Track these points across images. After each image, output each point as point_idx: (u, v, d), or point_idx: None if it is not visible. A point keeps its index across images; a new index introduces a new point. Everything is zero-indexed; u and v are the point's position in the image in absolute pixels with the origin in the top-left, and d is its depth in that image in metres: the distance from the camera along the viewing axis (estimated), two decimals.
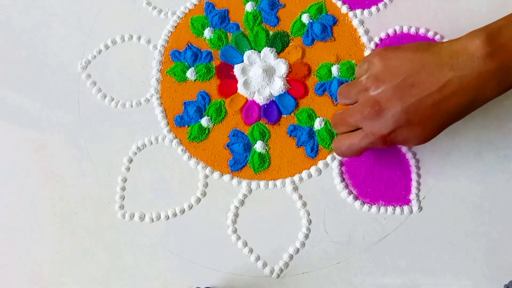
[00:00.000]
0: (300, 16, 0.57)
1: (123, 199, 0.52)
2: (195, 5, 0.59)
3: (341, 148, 0.45)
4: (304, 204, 0.50)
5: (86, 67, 0.57)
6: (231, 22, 0.58)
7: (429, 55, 0.38)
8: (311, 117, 0.53)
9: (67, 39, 0.58)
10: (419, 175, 0.51)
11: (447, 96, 0.37)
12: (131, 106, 0.55)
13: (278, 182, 0.51)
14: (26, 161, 0.54)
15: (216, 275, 0.49)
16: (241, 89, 0.55)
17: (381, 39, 0.56)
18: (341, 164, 0.51)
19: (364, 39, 0.56)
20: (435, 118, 0.39)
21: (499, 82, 0.36)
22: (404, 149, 0.51)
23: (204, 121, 0.54)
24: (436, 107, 0.38)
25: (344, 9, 0.57)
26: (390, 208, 0.50)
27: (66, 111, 0.55)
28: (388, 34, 0.56)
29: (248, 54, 0.56)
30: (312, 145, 0.52)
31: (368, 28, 0.56)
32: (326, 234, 0.49)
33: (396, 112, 0.39)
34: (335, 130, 0.48)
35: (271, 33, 0.57)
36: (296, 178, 0.51)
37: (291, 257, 0.49)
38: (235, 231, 0.50)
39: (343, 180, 0.51)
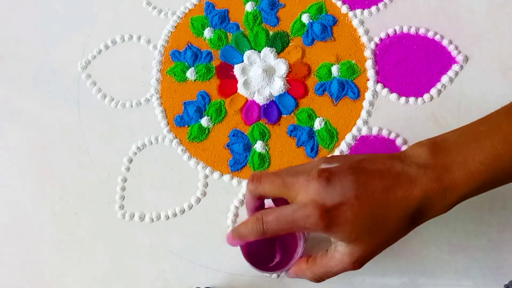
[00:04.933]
0: (300, 16, 0.57)
1: (123, 199, 0.52)
2: (195, 5, 0.59)
3: (266, 218, 0.37)
4: None
5: (86, 67, 0.57)
6: (231, 22, 0.58)
7: (383, 154, 0.39)
8: (311, 117, 0.53)
9: (67, 39, 0.58)
10: None
11: (396, 185, 0.36)
12: (131, 106, 0.55)
13: None
14: (26, 161, 0.54)
15: (216, 275, 0.49)
16: (241, 89, 0.55)
17: (381, 39, 0.56)
18: None
19: (364, 39, 0.56)
20: (383, 208, 0.36)
21: (440, 178, 0.36)
22: (404, 148, 0.51)
23: (204, 121, 0.54)
24: (386, 195, 0.36)
25: (344, 9, 0.57)
26: None
27: (66, 111, 0.55)
28: (388, 34, 0.56)
29: (248, 54, 0.56)
30: (312, 145, 0.52)
31: (368, 28, 0.56)
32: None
33: (346, 185, 0.36)
34: (253, 188, 0.39)
35: (271, 33, 0.57)
36: None
37: None
38: None
39: None
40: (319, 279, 0.40)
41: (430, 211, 0.37)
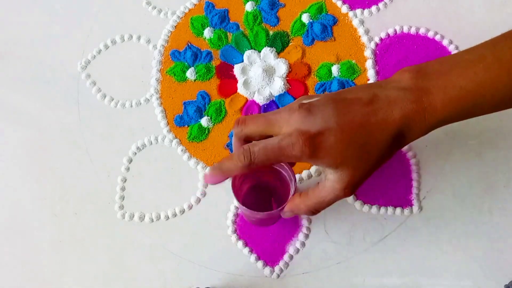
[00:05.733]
0: (300, 16, 0.57)
1: (123, 199, 0.52)
2: (195, 5, 0.59)
3: (253, 149, 0.37)
4: None
5: (86, 67, 0.57)
6: (231, 22, 0.58)
7: (363, 84, 0.40)
8: None
9: (67, 39, 0.58)
10: (419, 175, 0.51)
11: (376, 109, 0.37)
12: (131, 106, 0.55)
13: None
14: (26, 161, 0.54)
15: (216, 275, 0.49)
16: (241, 89, 0.55)
17: (381, 39, 0.56)
18: None
19: (364, 39, 0.56)
20: (365, 131, 0.36)
21: (419, 100, 0.36)
22: (405, 148, 0.51)
23: (204, 121, 0.54)
24: (366, 118, 0.36)
25: (344, 8, 0.57)
26: (390, 208, 0.50)
27: (66, 111, 0.55)
28: (388, 34, 0.56)
29: (248, 54, 0.56)
30: None
31: (368, 28, 0.56)
32: (326, 234, 0.49)
33: (327, 113, 0.36)
34: (239, 130, 0.39)
35: (271, 33, 0.57)
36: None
37: (291, 257, 0.49)
38: (235, 231, 0.50)
39: None
40: (314, 210, 0.41)
41: (411, 132, 0.37)
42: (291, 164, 0.44)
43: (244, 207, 0.41)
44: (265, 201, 0.44)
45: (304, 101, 0.38)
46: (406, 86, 0.37)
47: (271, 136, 0.38)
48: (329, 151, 0.36)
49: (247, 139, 0.40)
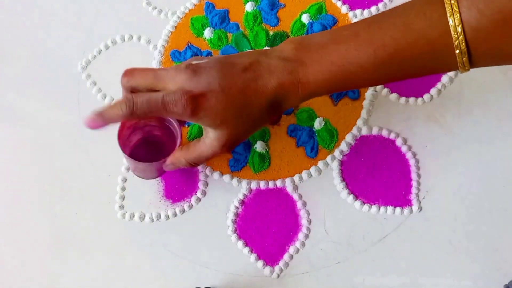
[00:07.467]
0: (300, 16, 0.57)
1: (123, 199, 0.52)
2: (195, 5, 0.59)
3: (137, 99, 0.39)
4: (304, 204, 0.50)
5: (86, 67, 0.57)
6: (231, 22, 0.58)
7: (254, 50, 0.43)
8: (311, 117, 0.53)
9: (67, 39, 0.58)
10: (419, 175, 0.51)
11: (256, 76, 0.39)
12: None
13: (278, 182, 0.51)
14: (25, 161, 0.54)
15: (216, 275, 0.49)
16: None
17: None
18: (341, 164, 0.51)
19: None
20: (244, 95, 0.39)
21: (295, 71, 0.39)
22: (404, 148, 0.51)
23: None
24: (247, 84, 0.39)
25: (344, 9, 0.57)
26: (390, 208, 0.50)
27: (66, 111, 0.55)
28: None
29: None
30: (312, 145, 0.52)
31: None
32: (326, 234, 0.49)
33: (212, 75, 0.39)
34: (125, 81, 0.42)
35: (271, 33, 0.57)
36: (296, 178, 0.51)
37: (291, 257, 0.49)
38: (235, 231, 0.50)
39: (343, 180, 0.51)
40: (193, 164, 0.44)
41: (286, 101, 0.41)
42: (180, 122, 0.47)
43: (126, 156, 0.45)
44: (154, 156, 0.47)
45: (194, 62, 0.40)
46: (286, 56, 0.40)
47: (157, 91, 0.40)
48: (209, 112, 0.39)
49: (133, 91, 0.42)
